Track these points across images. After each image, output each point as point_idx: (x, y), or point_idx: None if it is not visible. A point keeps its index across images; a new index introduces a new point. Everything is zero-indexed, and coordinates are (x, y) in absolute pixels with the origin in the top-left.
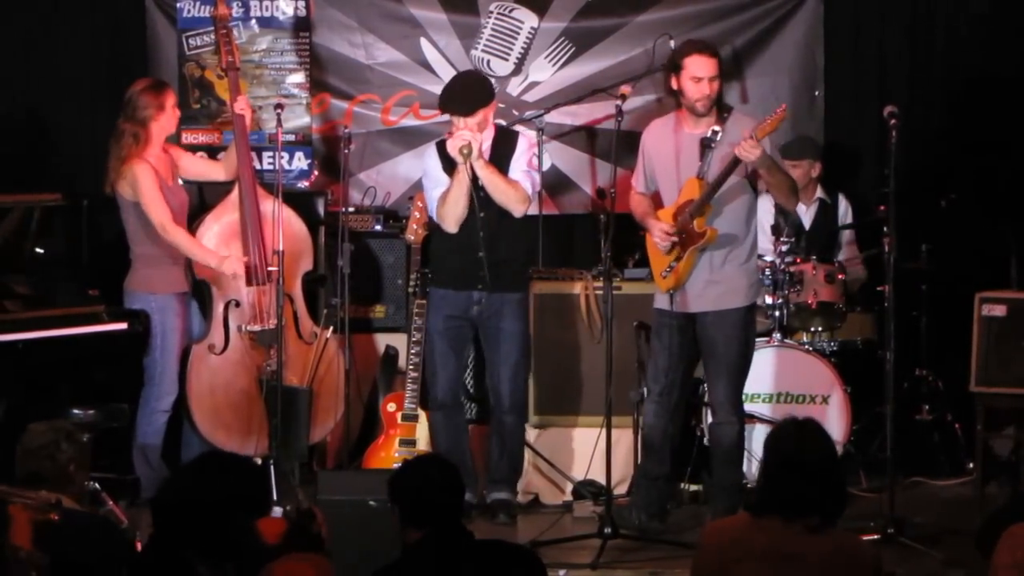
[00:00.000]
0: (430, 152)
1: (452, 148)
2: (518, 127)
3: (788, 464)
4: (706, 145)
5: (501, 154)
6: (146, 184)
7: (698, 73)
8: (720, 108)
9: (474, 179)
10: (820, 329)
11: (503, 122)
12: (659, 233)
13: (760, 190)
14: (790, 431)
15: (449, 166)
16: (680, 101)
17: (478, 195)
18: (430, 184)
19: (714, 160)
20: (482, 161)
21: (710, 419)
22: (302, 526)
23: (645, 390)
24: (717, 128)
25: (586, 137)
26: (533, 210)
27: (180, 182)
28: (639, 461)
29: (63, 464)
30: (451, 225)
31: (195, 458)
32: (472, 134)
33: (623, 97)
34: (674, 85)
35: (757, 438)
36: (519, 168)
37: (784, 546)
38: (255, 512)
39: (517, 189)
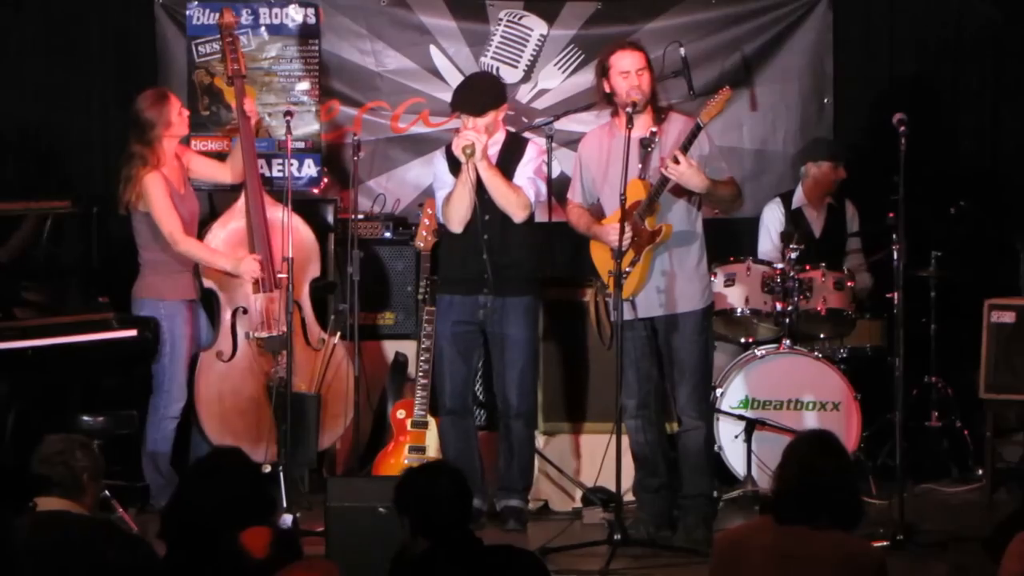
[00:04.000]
0: (439, 155)
1: (456, 147)
2: (528, 134)
3: (805, 477)
4: (645, 146)
5: (509, 159)
6: (157, 195)
7: (624, 67)
8: (656, 109)
9: (479, 181)
10: (830, 336)
11: (513, 129)
12: (614, 234)
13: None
14: (809, 443)
15: (456, 168)
16: (615, 104)
17: (482, 198)
18: (438, 185)
19: (655, 160)
20: (485, 162)
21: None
22: (288, 535)
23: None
24: (655, 129)
25: None
26: (543, 217)
27: (192, 189)
28: (635, 476)
29: (76, 472)
30: (455, 225)
31: (195, 461)
32: (477, 135)
33: (633, 104)
34: (606, 88)
35: (763, 444)
36: (524, 174)
37: (790, 546)
38: (255, 517)
39: (519, 194)
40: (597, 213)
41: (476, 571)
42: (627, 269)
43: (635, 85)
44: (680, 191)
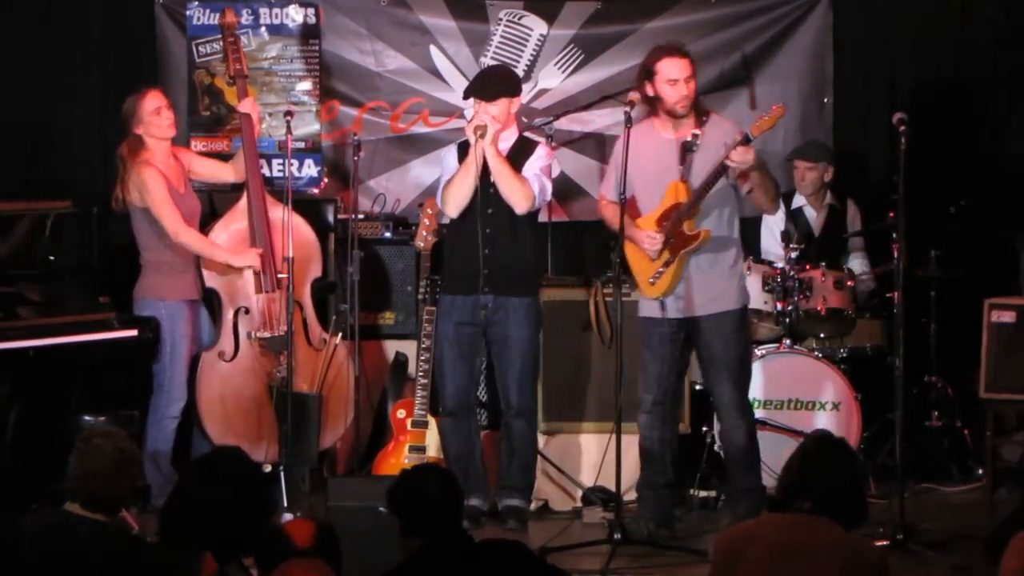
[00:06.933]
0: (451, 149)
1: (468, 128)
2: (528, 134)
3: (808, 462)
4: (687, 149)
5: (518, 159)
6: (155, 189)
7: (672, 75)
8: (698, 112)
9: (483, 177)
10: (830, 336)
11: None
12: (647, 240)
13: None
14: (818, 440)
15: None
16: (657, 107)
17: (487, 192)
18: (445, 176)
19: (696, 163)
20: (494, 148)
21: (718, 425)
22: (329, 531)
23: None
24: (697, 131)
25: (595, 144)
26: (543, 217)
27: (192, 189)
28: (640, 472)
29: (127, 487)
30: (452, 209)
31: (194, 460)
32: (491, 119)
33: (632, 104)
34: (649, 91)
35: (764, 443)
36: (531, 170)
37: (792, 539)
38: (253, 517)
39: (524, 184)
40: (632, 209)
41: (466, 569)
42: (661, 269)
43: (684, 95)
44: (721, 195)
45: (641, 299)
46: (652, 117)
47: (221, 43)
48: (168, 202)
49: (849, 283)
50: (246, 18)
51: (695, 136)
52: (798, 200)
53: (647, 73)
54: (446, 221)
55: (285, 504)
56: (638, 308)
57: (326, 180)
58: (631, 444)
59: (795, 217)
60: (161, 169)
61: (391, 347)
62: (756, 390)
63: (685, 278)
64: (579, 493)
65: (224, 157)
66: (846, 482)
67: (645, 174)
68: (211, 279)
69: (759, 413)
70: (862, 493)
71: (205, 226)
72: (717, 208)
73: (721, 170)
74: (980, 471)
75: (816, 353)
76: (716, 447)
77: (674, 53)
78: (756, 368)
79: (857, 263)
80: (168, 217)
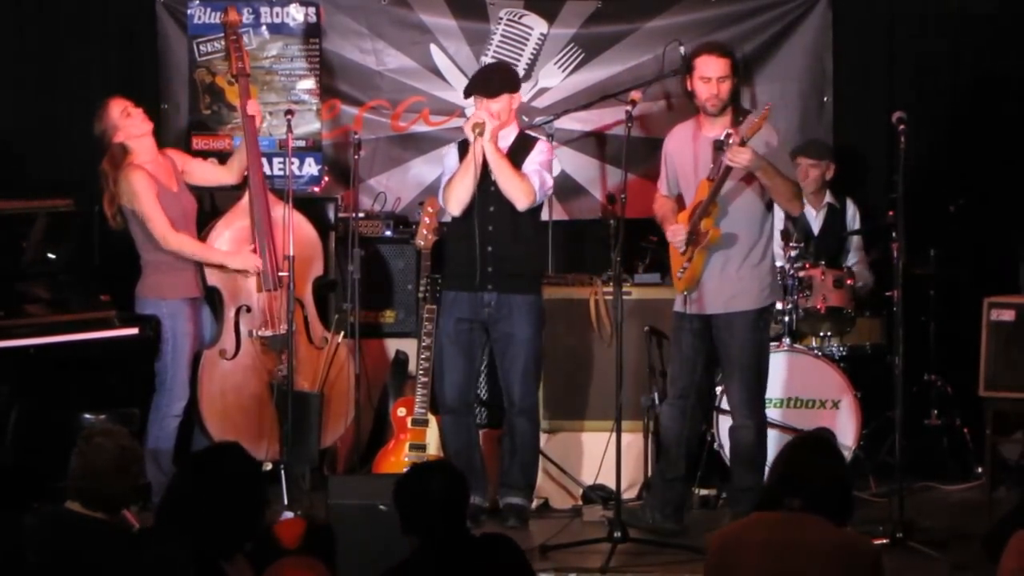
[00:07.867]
0: (452, 148)
1: (466, 125)
2: (531, 131)
3: (791, 461)
4: (718, 147)
5: (518, 156)
6: (142, 193)
7: (706, 73)
8: (736, 111)
9: (484, 174)
10: (829, 334)
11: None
12: (671, 233)
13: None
14: (801, 439)
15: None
16: (695, 103)
17: (488, 190)
18: (446, 175)
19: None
20: (493, 145)
21: (723, 424)
22: (321, 529)
23: (656, 395)
24: (731, 131)
25: (596, 143)
26: (543, 216)
27: (186, 187)
28: (656, 462)
29: (128, 485)
30: (454, 207)
31: (191, 454)
32: (488, 116)
33: (633, 103)
34: (689, 86)
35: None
36: (531, 166)
37: (785, 537)
38: (246, 513)
39: (524, 180)
40: (682, 204)
41: (462, 569)
42: (685, 265)
43: (714, 94)
44: (743, 194)
45: (677, 294)
46: (697, 115)
47: (222, 42)
48: (156, 209)
49: (849, 281)
50: (247, 17)
51: (728, 135)
52: None
53: (687, 68)
54: (447, 219)
55: (286, 502)
56: (674, 302)
57: (327, 179)
58: (631, 442)
59: (793, 217)
60: (149, 169)
61: (392, 345)
62: None
63: (706, 275)
64: (579, 491)
65: (224, 156)
66: (834, 479)
67: (687, 171)
68: (212, 277)
69: None
70: (850, 489)
71: (205, 224)
72: (739, 207)
73: (727, 170)
74: (979, 469)
75: (816, 351)
76: (716, 446)
77: (713, 51)
78: None
79: (856, 262)
80: (156, 224)
